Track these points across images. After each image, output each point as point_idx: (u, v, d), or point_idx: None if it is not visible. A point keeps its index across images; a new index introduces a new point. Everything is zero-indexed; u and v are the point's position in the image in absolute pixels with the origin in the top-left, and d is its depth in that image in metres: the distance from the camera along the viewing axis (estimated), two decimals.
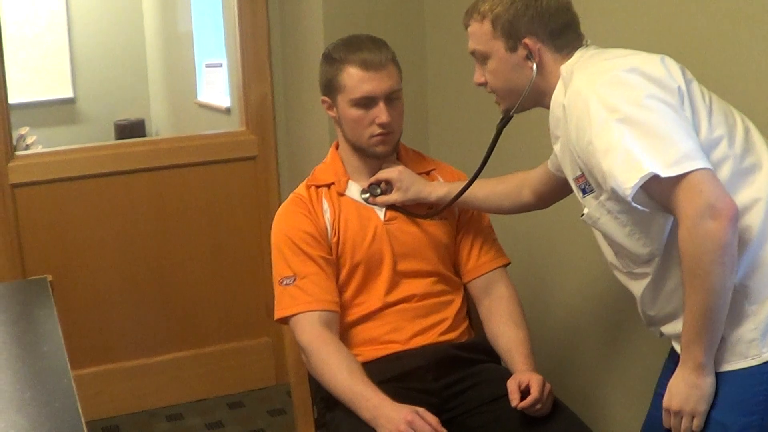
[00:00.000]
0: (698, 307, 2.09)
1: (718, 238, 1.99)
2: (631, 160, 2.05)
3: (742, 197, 2.13)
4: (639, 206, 2.11)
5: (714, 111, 2.21)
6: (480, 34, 2.44)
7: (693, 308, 2.10)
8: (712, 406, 2.21)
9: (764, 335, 2.13)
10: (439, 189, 2.92)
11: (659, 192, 2.08)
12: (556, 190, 2.75)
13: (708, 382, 2.18)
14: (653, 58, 2.23)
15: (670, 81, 2.16)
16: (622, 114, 2.09)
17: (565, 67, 2.35)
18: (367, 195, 2.91)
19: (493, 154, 2.69)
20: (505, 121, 2.59)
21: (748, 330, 2.15)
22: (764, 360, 2.14)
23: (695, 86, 2.23)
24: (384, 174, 2.91)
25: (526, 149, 2.88)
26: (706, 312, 2.09)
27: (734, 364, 2.17)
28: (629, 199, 2.07)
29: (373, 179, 2.91)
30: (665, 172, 2.01)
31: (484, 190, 2.86)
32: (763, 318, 2.13)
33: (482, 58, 2.47)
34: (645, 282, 2.34)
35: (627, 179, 2.05)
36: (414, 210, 2.93)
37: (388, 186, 2.91)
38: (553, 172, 2.69)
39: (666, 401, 2.26)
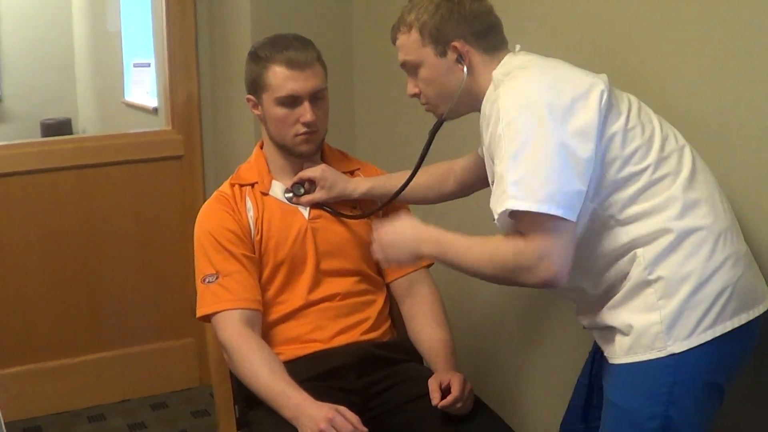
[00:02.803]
0: (464, 262, 2.35)
1: (519, 278, 2.20)
2: (502, 190, 2.17)
3: (658, 200, 2.22)
4: (504, 228, 2.23)
5: (630, 127, 2.26)
6: (409, 44, 2.47)
7: (463, 261, 2.35)
8: (620, 394, 2.29)
9: (670, 329, 2.18)
10: (362, 185, 2.94)
11: (520, 219, 2.17)
12: (482, 180, 2.76)
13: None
14: (589, 88, 2.25)
15: (589, 117, 2.20)
16: (516, 140, 2.17)
17: (497, 73, 2.38)
18: (291, 195, 2.91)
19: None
20: (437, 125, 2.60)
21: (654, 323, 2.20)
22: (669, 352, 2.19)
23: (618, 103, 2.29)
24: (307, 173, 2.91)
25: (457, 150, 2.89)
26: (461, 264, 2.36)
27: (640, 355, 2.22)
28: (496, 222, 2.21)
29: (296, 179, 2.91)
30: (525, 206, 2.13)
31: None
32: (669, 312, 2.18)
33: (413, 68, 2.49)
34: None
35: (494, 208, 2.20)
36: (339, 209, 2.94)
37: (311, 185, 2.91)
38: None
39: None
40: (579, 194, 2.15)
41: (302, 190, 2.91)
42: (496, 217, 2.20)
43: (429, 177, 2.88)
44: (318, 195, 2.90)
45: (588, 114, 2.19)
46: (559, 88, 2.24)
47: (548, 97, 2.20)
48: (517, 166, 2.14)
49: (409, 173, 2.79)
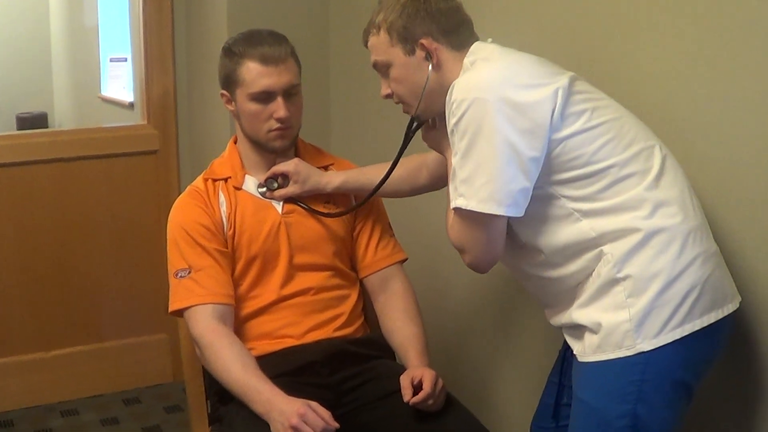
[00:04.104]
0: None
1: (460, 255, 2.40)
2: (456, 188, 2.29)
3: (625, 197, 2.23)
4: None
5: (595, 124, 2.26)
6: (378, 45, 2.49)
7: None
8: (589, 392, 2.30)
9: (639, 327, 2.19)
10: (335, 179, 2.94)
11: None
12: None
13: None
14: (543, 89, 2.25)
15: (539, 116, 2.22)
16: (463, 134, 2.24)
17: (466, 61, 2.41)
18: (264, 189, 2.91)
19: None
20: (416, 126, 2.62)
21: (623, 321, 2.20)
22: (638, 351, 2.19)
23: (580, 101, 2.28)
24: (280, 167, 2.91)
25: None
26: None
27: (609, 353, 2.23)
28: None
29: (269, 173, 2.91)
30: (471, 206, 2.24)
31: (380, 177, 2.86)
32: (638, 310, 2.19)
33: (384, 68, 2.51)
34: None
35: (452, 200, 2.30)
36: (311, 203, 2.93)
37: (284, 180, 2.91)
38: None
39: None
40: (523, 191, 2.22)
41: (275, 185, 2.91)
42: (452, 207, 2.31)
43: (402, 170, 2.88)
44: (291, 189, 2.90)
45: (539, 113, 2.21)
46: (513, 84, 2.24)
47: (500, 93, 2.21)
48: (466, 163, 2.23)
49: (381, 166, 2.80)
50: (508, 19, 3.09)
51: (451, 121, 2.26)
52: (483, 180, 2.21)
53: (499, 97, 2.20)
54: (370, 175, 2.86)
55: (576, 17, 2.86)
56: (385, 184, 2.82)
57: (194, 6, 4.53)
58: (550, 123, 2.21)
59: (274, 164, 2.91)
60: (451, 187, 2.32)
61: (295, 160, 2.93)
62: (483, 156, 2.20)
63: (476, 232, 2.30)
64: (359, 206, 2.94)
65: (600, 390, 2.28)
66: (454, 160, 2.27)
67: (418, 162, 2.89)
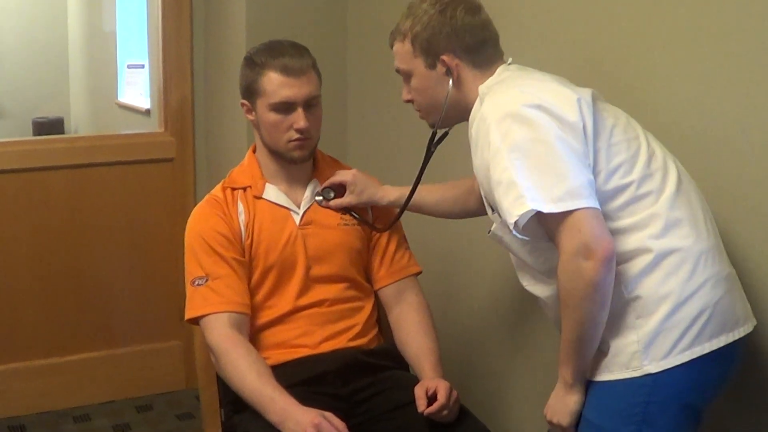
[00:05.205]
0: (569, 335, 2.20)
1: (590, 278, 2.09)
2: (517, 195, 2.13)
3: (640, 216, 2.21)
4: (524, 236, 2.20)
5: (614, 142, 2.26)
6: (402, 53, 2.50)
7: (565, 334, 2.21)
8: (594, 412, 2.28)
9: (646, 348, 2.19)
10: (390, 193, 2.97)
11: (545, 223, 2.16)
12: None
13: (573, 400, 2.30)
14: (567, 96, 2.25)
15: (573, 120, 2.20)
16: (516, 147, 2.16)
17: (483, 87, 2.40)
18: (321, 198, 2.94)
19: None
20: (440, 138, 2.63)
21: (631, 342, 2.20)
22: (645, 372, 2.19)
23: (602, 118, 2.28)
24: (339, 177, 2.95)
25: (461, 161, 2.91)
26: (576, 340, 2.20)
27: (616, 374, 2.23)
28: (513, 232, 2.16)
29: (327, 183, 2.96)
30: (548, 208, 2.10)
31: (434, 196, 2.91)
32: (647, 332, 2.19)
33: (406, 76, 2.52)
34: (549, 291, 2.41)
35: (511, 213, 2.13)
36: (330, 218, 2.95)
37: (341, 190, 2.95)
38: None
39: (545, 411, 2.38)
40: (591, 183, 2.15)
41: (332, 194, 2.95)
42: (513, 221, 2.13)
43: (455, 191, 2.92)
44: (347, 200, 2.94)
45: (570, 115, 2.20)
46: (538, 97, 2.23)
47: (533, 102, 2.20)
48: (527, 171, 2.14)
49: (437, 186, 2.80)
50: (525, 38, 3.10)
51: (493, 141, 2.20)
52: (552, 180, 2.12)
53: (535, 105, 2.19)
54: (425, 193, 2.88)
55: (593, 35, 2.87)
56: (437, 206, 2.88)
57: (213, 14, 4.54)
58: (581, 123, 2.19)
59: (294, 174, 2.93)
60: (508, 198, 2.16)
61: (354, 170, 2.97)
62: (543, 159, 2.14)
63: (575, 235, 2.09)
64: (395, 222, 2.96)
65: (605, 410, 2.27)
66: (506, 175, 2.15)
67: (467, 185, 2.89)
